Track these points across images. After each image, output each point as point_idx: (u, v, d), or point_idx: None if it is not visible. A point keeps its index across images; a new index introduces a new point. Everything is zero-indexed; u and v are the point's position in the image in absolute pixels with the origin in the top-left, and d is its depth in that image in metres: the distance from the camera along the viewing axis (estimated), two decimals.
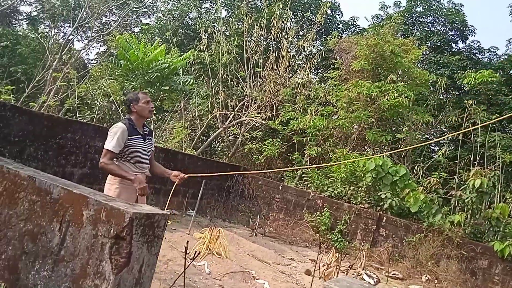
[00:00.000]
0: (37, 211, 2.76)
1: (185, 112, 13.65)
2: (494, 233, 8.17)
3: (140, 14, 21.29)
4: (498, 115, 11.88)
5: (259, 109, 13.04)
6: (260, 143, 12.51)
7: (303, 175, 10.92)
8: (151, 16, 21.44)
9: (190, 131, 12.90)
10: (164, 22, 18.30)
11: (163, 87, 10.24)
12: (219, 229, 6.04)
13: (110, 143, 3.70)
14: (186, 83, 10.28)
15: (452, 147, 12.89)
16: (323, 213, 9.03)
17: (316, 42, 17.30)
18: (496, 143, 10.68)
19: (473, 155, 10.51)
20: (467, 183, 8.52)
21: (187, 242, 3.70)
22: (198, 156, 10.56)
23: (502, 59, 14.85)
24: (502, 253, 7.41)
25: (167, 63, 9.81)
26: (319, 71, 16.98)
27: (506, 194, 9.57)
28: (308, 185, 10.39)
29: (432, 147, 14.20)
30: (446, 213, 8.54)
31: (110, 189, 3.77)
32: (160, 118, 14.24)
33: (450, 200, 8.94)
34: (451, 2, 16.34)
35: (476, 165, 9.76)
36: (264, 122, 12.76)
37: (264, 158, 12.17)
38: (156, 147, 8.62)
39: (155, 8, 21.15)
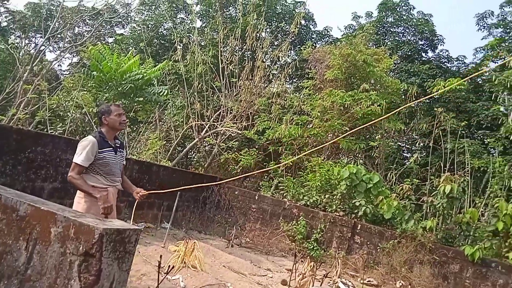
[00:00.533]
0: (2, 229, 2.69)
1: (160, 123, 13.55)
2: (465, 238, 8.40)
3: (114, 25, 21.10)
4: (466, 123, 12.31)
5: (235, 119, 13.08)
6: (236, 153, 12.52)
7: (279, 184, 10.99)
8: (125, 27, 21.29)
9: (165, 142, 12.81)
10: (138, 32, 18.19)
11: (137, 98, 10.16)
12: (194, 242, 6.00)
13: (79, 157, 3.68)
14: (161, 94, 10.23)
15: (424, 154, 13.20)
16: (299, 222, 9.09)
17: (290, 52, 17.54)
18: (465, 149, 11.01)
19: (443, 162, 10.79)
20: (438, 189, 8.75)
21: (161, 256, 3.67)
22: (173, 168, 10.49)
23: (469, 68, 15.36)
24: (473, 257, 7.61)
25: (141, 74, 9.76)
26: (294, 80, 17.19)
27: (475, 199, 9.85)
28: (284, 194, 10.45)
29: (404, 154, 14.52)
30: (418, 219, 8.71)
31: (79, 202, 3.74)
32: (134, 129, 14.09)
33: (422, 206, 9.14)
34: (421, 12, 16.86)
35: (446, 171, 10.00)
36: (240, 132, 12.78)
37: (241, 168, 12.18)
38: (130, 159, 8.54)
39: (129, 19, 21.01)
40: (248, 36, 13.97)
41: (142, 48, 15.27)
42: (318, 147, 10.33)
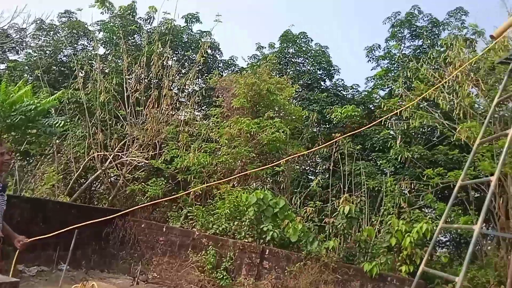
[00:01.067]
0: None
1: (59, 155, 12.67)
2: (364, 255, 8.99)
3: (6, 50, 19.48)
4: (361, 146, 13.34)
5: (141, 148, 12.72)
6: (143, 183, 12.12)
7: (188, 214, 10.82)
8: (19, 52, 19.74)
9: (64, 175, 11.99)
10: (34, 59, 17.01)
11: (29, 131, 9.41)
12: (93, 284, 5.63)
13: None
14: (57, 125, 9.58)
15: (326, 176, 13.94)
16: (208, 252, 8.99)
17: (198, 80, 17.67)
18: (361, 171, 11.89)
19: (343, 183, 11.52)
20: (338, 210, 9.31)
21: None
22: (72, 203, 9.82)
23: (362, 95, 16.76)
24: (371, 273, 8.14)
25: (34, 104, 9.06)
26: (202, 108, 17.29)
27: (372, 217, 10.61)
28: (193, 224, 10.30)
29: (309, 177, 15.22)
30: (322, 240, 9.13)
31: None
32: (30, 162, 13.00)
33: (325, 227, 9.58)
34: (318, 44, 18.11)
35: (345, 192, 10.69)
36: (147, 162, 12.45)
37: (148, 198, 11.83)
38: (21, 197, 7.83)
39: (24, 44, 19.56)
40: (154, 64, 13.87)
41: (38, 75, 14.27)
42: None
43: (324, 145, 9.74)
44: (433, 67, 12.11)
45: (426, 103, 12.10)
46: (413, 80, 12.66)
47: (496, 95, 5.10)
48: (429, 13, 15.87)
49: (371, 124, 9.05)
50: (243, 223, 9.68)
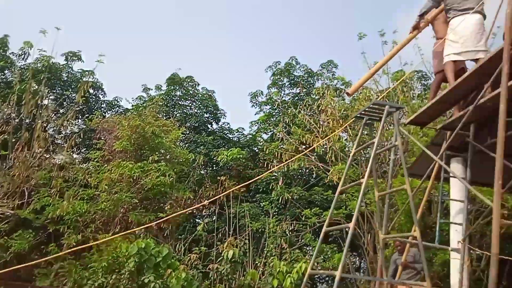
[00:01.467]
0: None
1: None
2: None
3: None
4: (246, 188, 13.66)
5: (6, 197, 11.41)
6: (6, 237, 10.76)
7: (60, 270, 9.82)
8: None
9: None
10: None
11: None
12: None
13: None
14: None
15: (214, 219, 13.90)
16: None
17: (78, 121, 16.66)
18: (245, 213, 12.12)
19: (228, 226, 11.58)
20: (222, 254, 9.29)
21: None
22: None
23: (247, 138, 17.33)
24: None
25: None
26: (82, 151, 16.24)
27: (256, 259, 10.76)
28: (65, 281, 9.36)
29: (197, 220, 15.01)
30: (206, 287, 8.97)
31: None
32: None
33: (209, 274, 9.45)
34: (205, 88, 18.48)
35: (230, 235, 10.75)
36: (12, 212, 11.15)
37: (12, 254, 10.49)
38: None
39: None
40: (26, 103, 12.81)
41: None
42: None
43: (221, 194, 9.83)
44: (309, 114, 13.12)
45: (304, 147, 12.96)
46: (292, 125, 13.53)
47: (354, 146, 5.65)
48: (305, 64, 17.35)
49: (265, 174, 9.47)
50: (122, 276, 9.11)
